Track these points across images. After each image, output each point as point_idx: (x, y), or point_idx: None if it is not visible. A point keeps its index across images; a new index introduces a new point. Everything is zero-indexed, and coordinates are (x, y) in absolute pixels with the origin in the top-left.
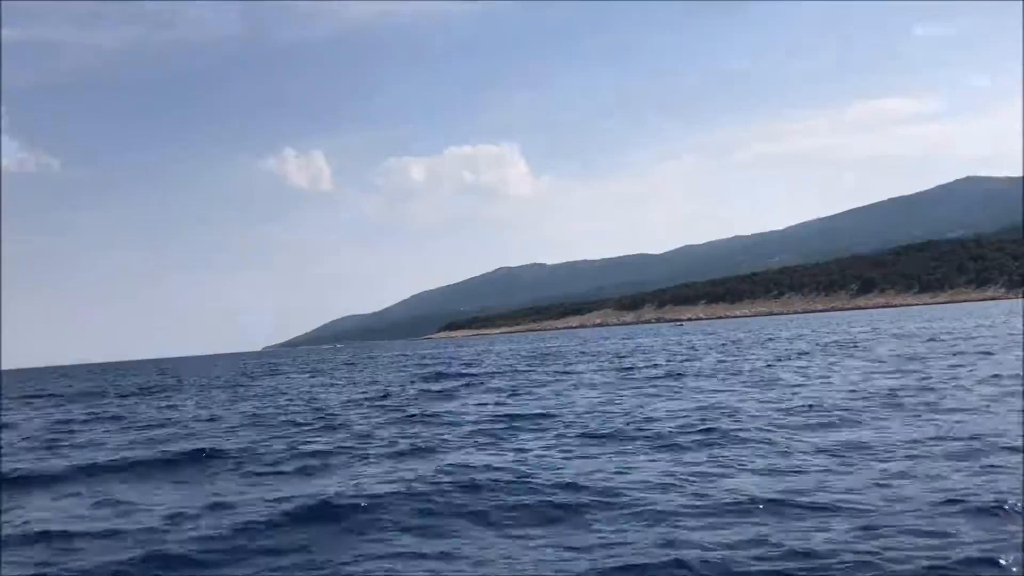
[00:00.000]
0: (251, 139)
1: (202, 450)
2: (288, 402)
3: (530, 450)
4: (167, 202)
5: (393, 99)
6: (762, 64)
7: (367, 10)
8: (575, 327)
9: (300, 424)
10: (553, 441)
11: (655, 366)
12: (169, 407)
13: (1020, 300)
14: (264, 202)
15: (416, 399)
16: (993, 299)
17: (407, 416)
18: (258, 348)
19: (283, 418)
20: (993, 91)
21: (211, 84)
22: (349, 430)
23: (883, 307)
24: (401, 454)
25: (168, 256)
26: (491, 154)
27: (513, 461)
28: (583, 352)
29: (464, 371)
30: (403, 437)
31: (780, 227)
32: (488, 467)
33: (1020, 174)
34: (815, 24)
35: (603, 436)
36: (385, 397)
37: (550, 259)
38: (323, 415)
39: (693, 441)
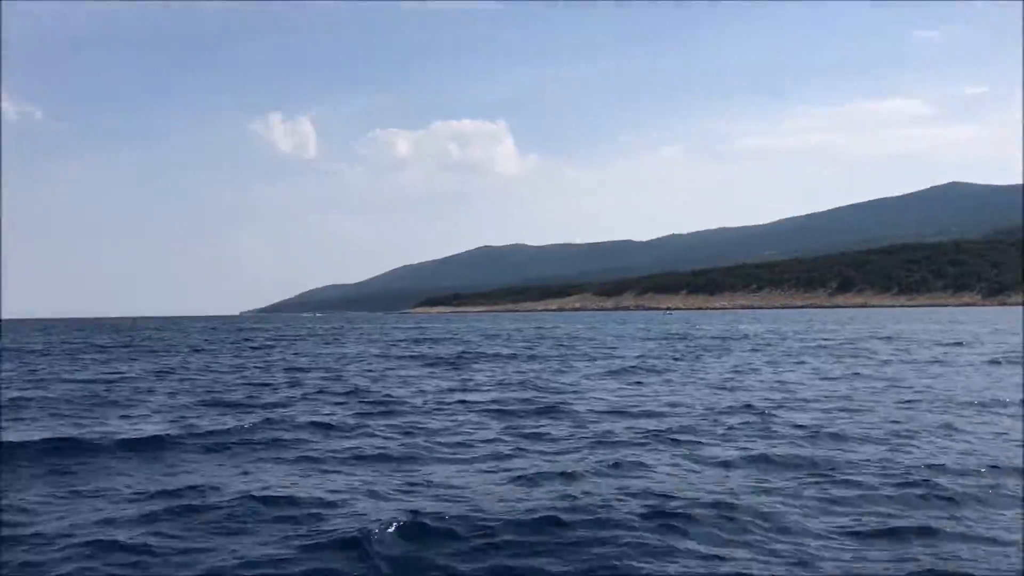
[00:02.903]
0: (239, 101)
1: None
2: None
3: None
4: (148, 158)
5: (382, 69)
6: (760, 58)
7: None
8: (554, 310)
9: None
10: None
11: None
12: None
13: (996, 307)
14: (246, 165)
15: None
16: (970, 305)
17: None
18: (235, 313)
19: None
20: (988, 97)
21: (204, 44)
22: None
23: (860, 306)
24: None
25: (142, 212)
26: (478, 130)
27: None
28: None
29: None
30: None
31: (766, 221)
32: None
33: (1005, 182)
34: (816, 21)
35: None
36: None
37: (533, 240)
38: None
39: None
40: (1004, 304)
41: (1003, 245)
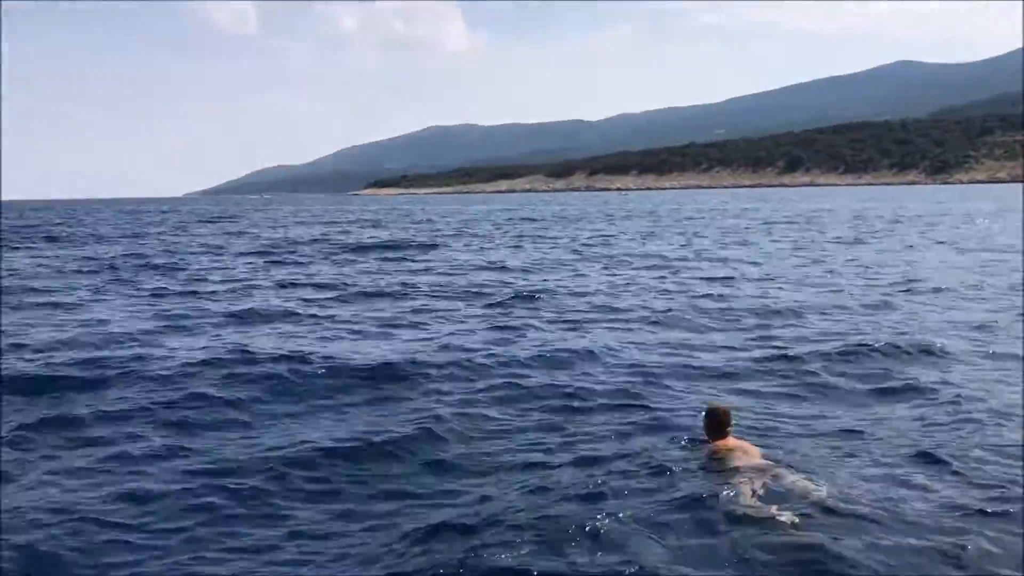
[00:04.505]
0: None
1: None
2: None
3: None
4: (82, 38)
5: None
6: None
7: None
8: (504, 191)
9: None
10: None
11: None
12: None
13: (940, 185)
14: (185, 42)
15: None
16: (914, 183)
17: None
18: (179, 195)
19: None
20: None
21: None
22: None
23: (807, 185)
24: None
25: (72, 91)
26: (426, 6)
27: None
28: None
29: None
30: None
31: (717, 100)
32: None
33: (953, 60)
34: None
35: None
36: None
37: (483, 120)
38: None
39: None
40: (946, 183)
41: (947, 124)
